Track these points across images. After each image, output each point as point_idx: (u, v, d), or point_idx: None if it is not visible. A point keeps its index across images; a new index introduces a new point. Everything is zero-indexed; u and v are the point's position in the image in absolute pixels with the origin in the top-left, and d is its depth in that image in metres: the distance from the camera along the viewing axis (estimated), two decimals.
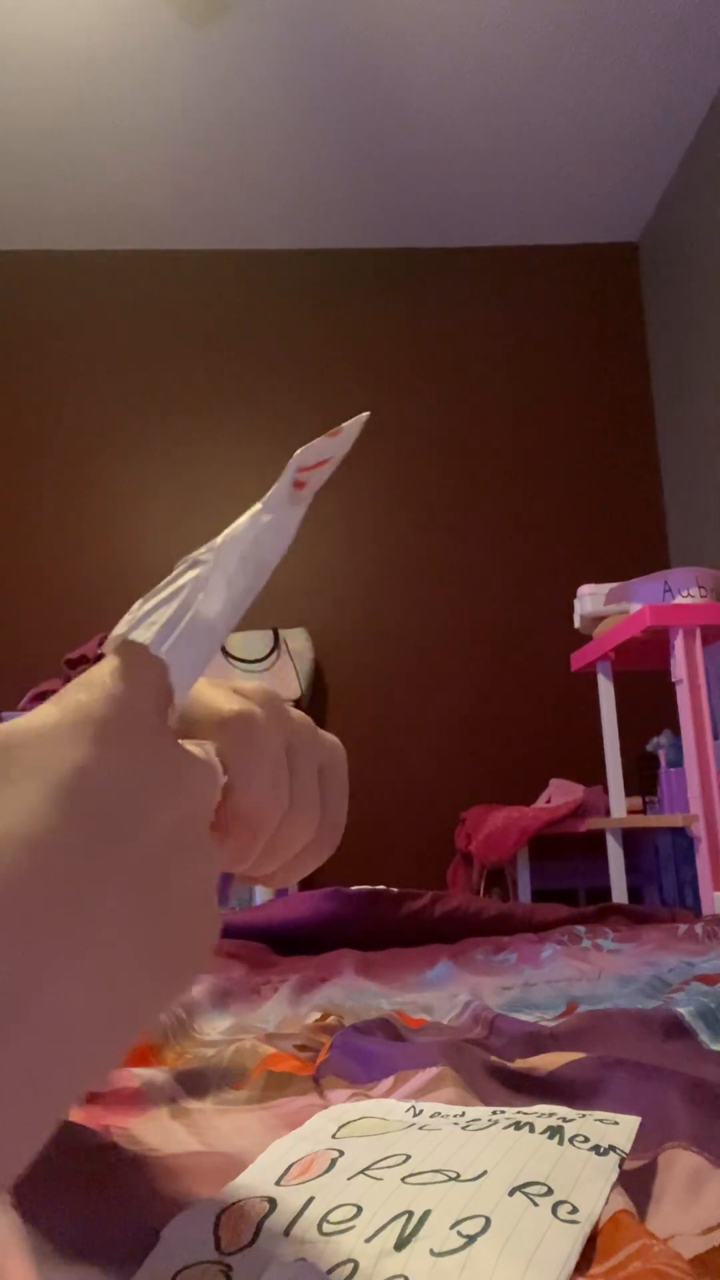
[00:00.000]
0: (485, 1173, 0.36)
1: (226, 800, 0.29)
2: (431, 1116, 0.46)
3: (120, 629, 0.27)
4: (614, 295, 3.45)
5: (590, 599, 2.39)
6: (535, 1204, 0.33)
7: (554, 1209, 0.33)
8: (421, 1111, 0.47)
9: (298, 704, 2.89)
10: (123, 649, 0.26)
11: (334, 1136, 0.44)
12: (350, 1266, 0.30)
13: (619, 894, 2.24)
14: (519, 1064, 0.56)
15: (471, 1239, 0.31)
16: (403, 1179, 0.36)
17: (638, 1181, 0.38)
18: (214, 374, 3.32)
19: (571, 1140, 0.41)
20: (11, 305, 3.28)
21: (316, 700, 3.12)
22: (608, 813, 2.42)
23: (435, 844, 2.97)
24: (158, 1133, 0.49)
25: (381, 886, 1.55)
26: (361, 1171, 0.38)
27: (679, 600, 2.10)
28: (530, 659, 3.14)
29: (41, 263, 3.30)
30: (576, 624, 2.46)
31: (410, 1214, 0.33)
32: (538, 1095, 0.52)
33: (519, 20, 2.55)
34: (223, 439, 3.29)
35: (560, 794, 2.75)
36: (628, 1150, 0.40)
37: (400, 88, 2.77)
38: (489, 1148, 0.39)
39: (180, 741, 0.29)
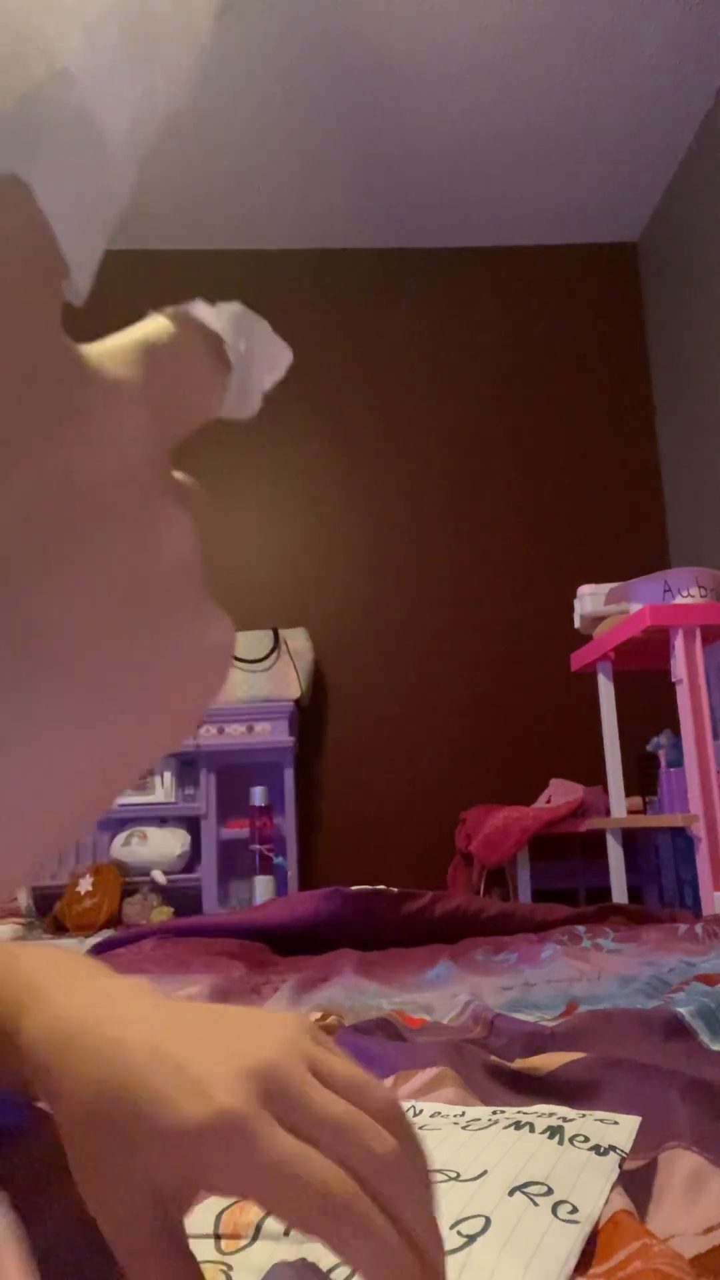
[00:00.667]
0: (485, 1172, 0.36)
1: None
2: (432, 1116, 0.46)
3: None
4: (614, 295, 3.45)
5: (590, 599, 2.38)
6: (535, 1204, 0.33)
7: (554, 1209, 0.33)
8: (422, 1111, 0.47)
9: (298, 704, 2.89)
10: None
11: None
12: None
13: (619, 894, 2.24)
14: (519, 1064, 0.56)
15: (471, 1239, 0.31)
16: None
17: (638, 1181, 0.38)
18: None
19: (572, 1140, 0.41)
20: None
21: (316, 700, 3.12)
22: (608, 813, 2.42)
23: (435, 844, 2.97)
24: None
25: (381, 886, 1.55)
26: None
27: (679, 600, 2.10)
28: (530, 659, 3.14)
29: None
30: (576, 624, 2.46)
31: None
32: (538, 1095, 0.52)
33: (519, 20, 2.55)
34: (222, 439, 3.29)
35: (560, 794, 2.75)
36: (628, 1150, 0.40)
37: (400, 88, 2.77)
38: (489, 1147, 0.39)
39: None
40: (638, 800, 2.50)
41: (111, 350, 0.17)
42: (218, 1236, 0.33)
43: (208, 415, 0.19)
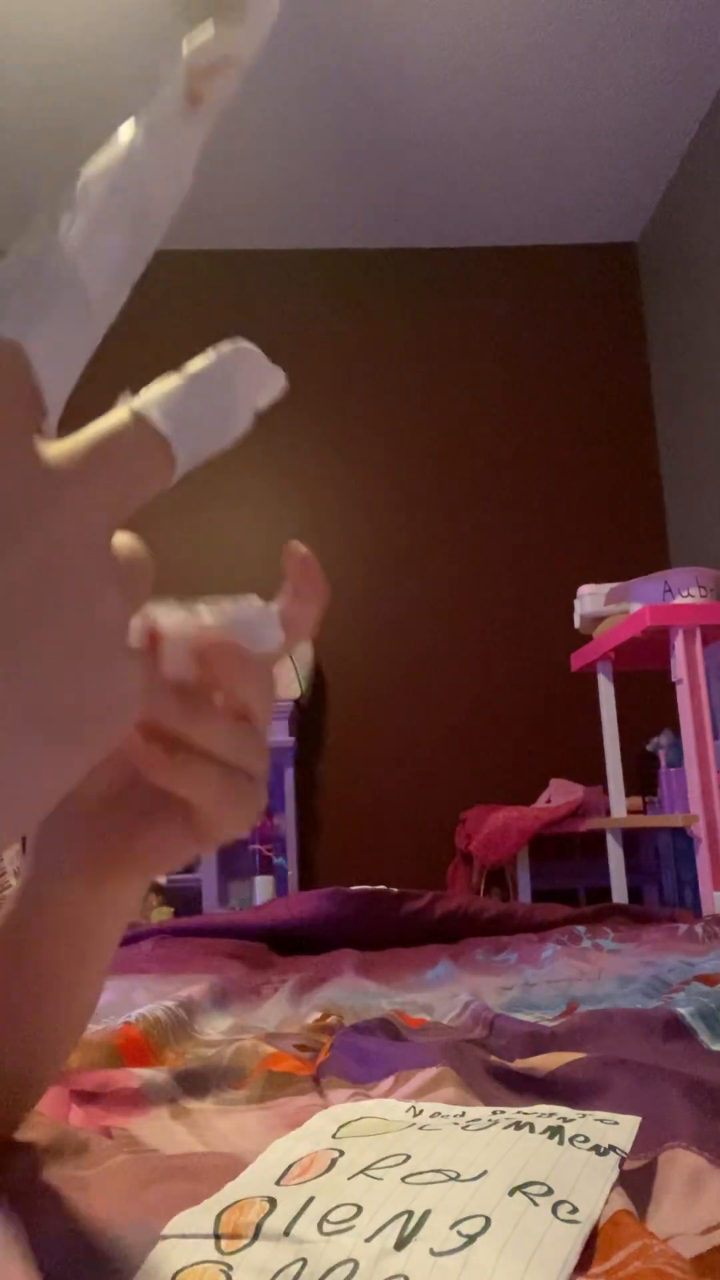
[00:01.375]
0: (485, 1173, 0.36)
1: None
2: (431, 1116, 0.46)
3: None
4: (614, 295, 3.44)
5: (590, 599, 2.38)
6: (535, 1204, 0.33)
7: (554, 1209, 0.33)
8: (421, 1111, 0.47)
9: (298, 704, 2.89)
10: None
11: (334, 1136, 0.44)
12: (350, 1266, 0.30)
13: (619, 894, 2.24)
14: (519, 1064, 0.57)
15: (471, 1239, 0.31)
16: (403, 1179, 0.36)
17: (638, 1181, 0.38)
18: None
19: (571, 1140, 0.41)
20: None
21: (316, 700, 3.12)
22: (608, 813, 2.42)
23: (435, 844, 2.97)
24: (158, 1133, 0.49)
25: (381, 886, 1.55)
26: (361, 1171, 0.38)
27: (679, 600, 2.10)
28: (530, 659, 3.14)
29: None
30: (576, 624, 2.46)
31: (410, 1214, 0.33)
32: (538, 1095, 0.52)
33: (519, 20, 2.55)
34: None
35: (560, 794, 2.75)
36: (628, 1150, 0.40)
37: (400, 88, 2.77)
38: (489, 1148, 0.39)
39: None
40: (638, 800, 2.50)
41: (71, 453, 0.21)
42: (218, 1236, 0.33)
43: (155, 493, 0.23)
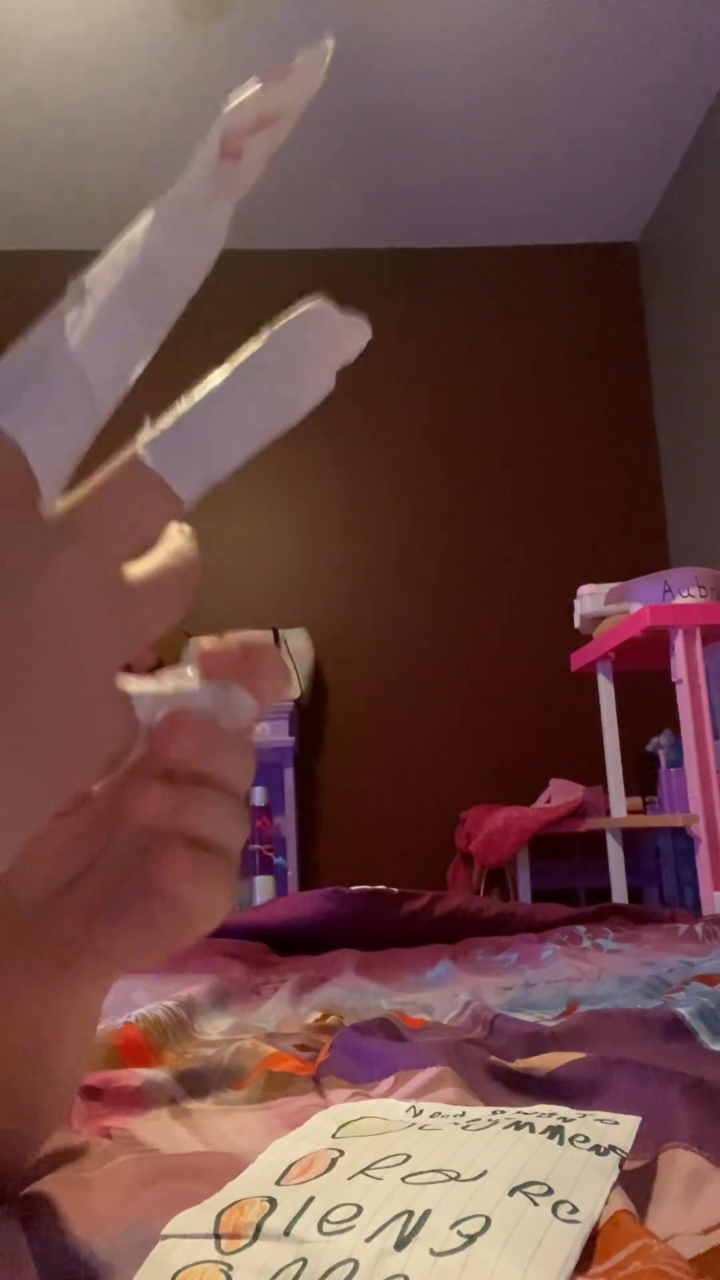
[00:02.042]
0: (485, 1172, 0.36)
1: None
2: (431, 1116, 0.46)
3: None
4: (614, 295, 3.44)
5: (590, 599, 2.38)
6: (535, 1204, 0.33)
7: (554, 1209, 0.33)
8: (421, 1111, 0.47)
9: (298, 704, 2.89)
10: None
11: (334, 1136, 0.44)
12: (350, 1266, 0.30)
13: (619, 894, 2.24)
14: (519, 1064, 0.57)
15: (472, 1239, 0.31)
16: (403, 1179, 0.36)
17: (638, 1181, 0.38)
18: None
19: (571, 1140, 0.41)
20: (11, 306, 3.28)
21: (316, 700, 3.12)
22: (608, 813, 2.42)
23: (435, 844, 2.97)
24: (158, 1133, 0.49)
25: (381, 886, 1.55)
26: (362, 1171, 0.38)
27: (679, 600, 2.10)
28: (530, 659, 3.14)
29: (40, 263, 3.30)
30: (576, 624, 2.46)
31: (410, 1214, 0.33)
32: (538, 1095, 0.52)
33: (518, 20, 2.55)
34: None
35: (560, 794, 2.75)
36: (628, 1150, 0.40)
37: (400, 88, 2.77)
38: (489, 1148, 0.39)
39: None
40: (638, 800, 2.50)
41: (70, 512, 0.22)
42: (218, 1236, 0.33)
43: (164, 525, 0.24)
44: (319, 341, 0.24)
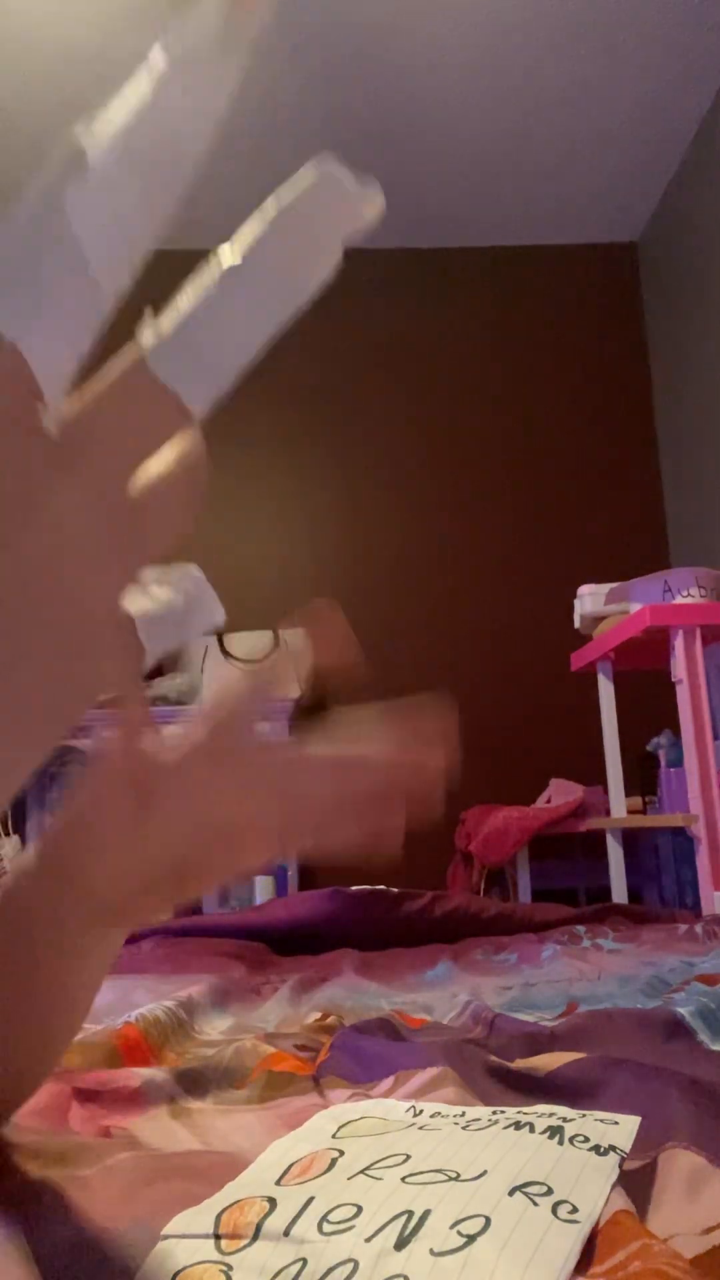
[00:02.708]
0: (485, 1172, 0.36)
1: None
2: (431, 1116, 0.46)
3: None
4: (614, 295, 3.45)
5: (590, 599, 2.38)
6: (535, 1204, 0.33)
7: (554, 1209, 0.33)
8: (421, 1111, 0.47)
9: (298, 704, 2.89)
10: None
11: (334, 1136, 0.44)
12: (350, 1266, 0.30)
13: (619, 894, 2.24)
14: (519, 1064, 0.56)
15: (472, 1239, 0.31)
16: (403, 1179, 0.36)
17: (638, 1181, 0.38)
18: None
19: (571, 1140, 0.41)
20: None
21: (316, 700, 3.12)
22: (608, 813, 2.42)
23: (435, 844, 2.97)
24: (158, 1132, 0.49)
25: (381, 886, 1.55)
26: (361, 1171, 0.38)
27: (679, 600, 2.10)
28: (530, 659, 3.14)
29: None
30: (576, 624, 2.46)
31: (410, 1214, 0.33)
32: (538, 1095, 0.52)
33: (519, 20, 2.55)
34: (220, 439, 3.29)
35: (560, 794, 2.75)
36: (628, 1150, 0.40)
37: (400, 88, 2.77)
38: (489, 1148, 0.39)
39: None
40: (638, 800, 2.50)
41: (73, 422, 0.20)
42: (218, 1237, 0.33)
43: (173, 435, 0.22)
44: (329, 213, 0.21)
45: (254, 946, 1.36)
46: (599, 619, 2.36)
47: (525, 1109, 0.46)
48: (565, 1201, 0.34)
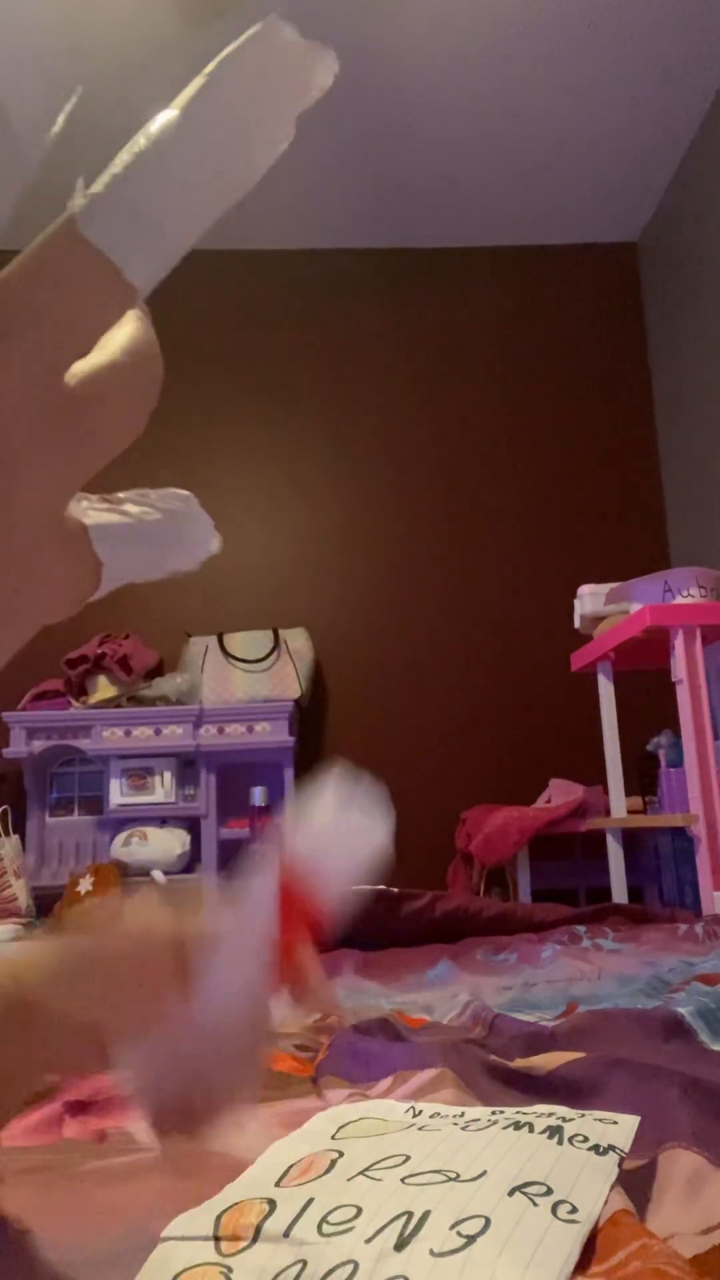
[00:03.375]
0: (485, 1173, 0.36)
1: None
2: (431, 1117, 0.46)
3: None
4: (614, 295, 3.44)
5: (590, 599, 2.38)
6: (535, 1204, 0.33)
7: (554, 1209, 0.33)
8: (421, 1112, 0.47)
9: (298, 704, 2.89)
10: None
11: (334, 1138, 0.44)
12: (350, 1267, 0.30)
13: (619, 894, 2.24)
14: (519, 1064, 0.56)
15: (471, 1239, 0.31)
16: (402, 1179, 0.36)
17: (638, 1181, 0.38)
18: (212, 374, 3.32)
19: (571, 1140, 0.41)
20: None
21: (316, 700, 3.11)
22: (608, 813, 2.42)
23: (435, 844, 2.97)
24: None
25: (381, 886, 1.54)
26: (361, 1172, 0.38)
27: (679, 600, 2.10)
28: (530, 659, 3.13)
29: None
30: (576, 624, 2.45)
31: (410, 1214, 0.33)
32: (537, 1095, 0.52)
33: (518, 20, 2.55)
34: (221, 439, 3.29)
35: (560, 794, 2.74)
36: (627, 1150, 0.40)
37: (400, 88, 2.76)
38: (489, 1148, 0.39)
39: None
40: (638, 800, 2.49)
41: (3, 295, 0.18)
42: (218, 1238, 0.33)
43: (112, 320, 0.20)
44: (276, 70, 0.20)
45: None
46: (599, 619, 2.35)
47: (525, 1109, 0.46)
48: (565, 1201, 0.34)
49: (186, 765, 2.78)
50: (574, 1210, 0.33)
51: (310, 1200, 0.35)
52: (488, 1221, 0.32)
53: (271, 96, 0.19)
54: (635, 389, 3.38)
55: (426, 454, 3.32)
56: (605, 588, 2.33)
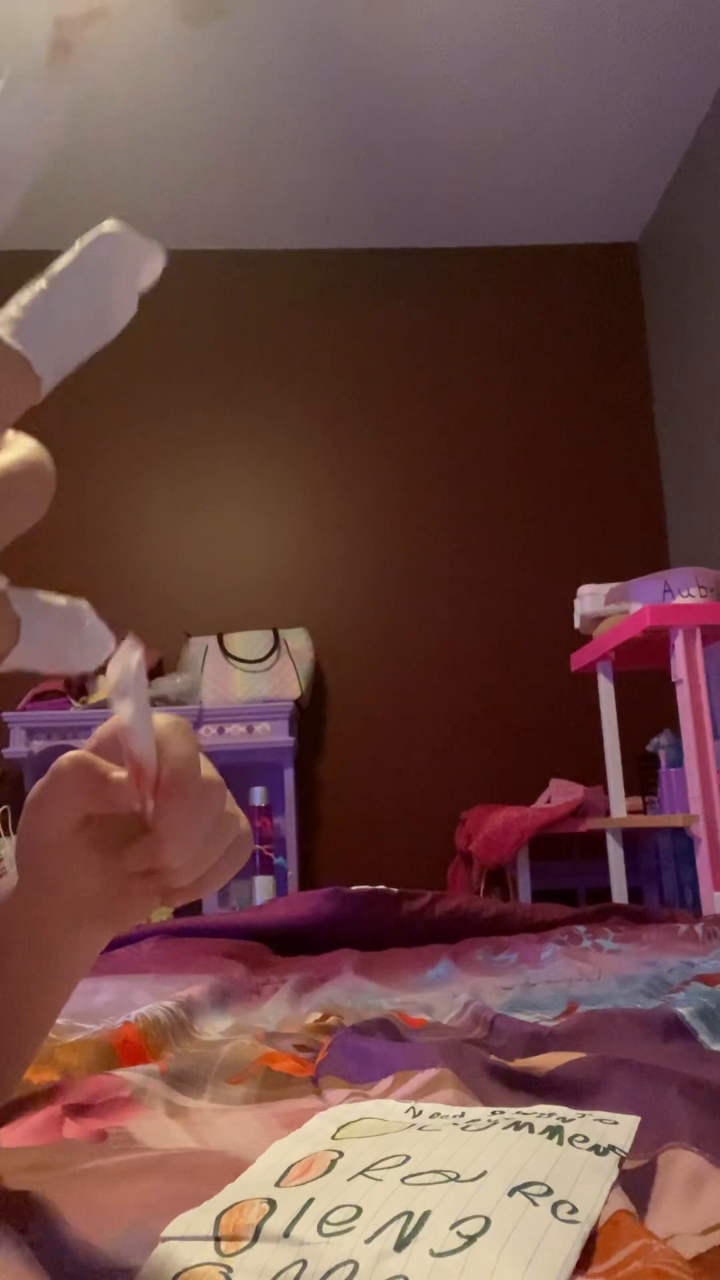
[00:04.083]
0: (485, 1173, 0.36)
1: (155, 846, 0.33)
2: (431, 1117, 0.46)
3: None
4: (614, 295, 3.44)
5: (590, 599, 2.38)
6: (535, 1204, 0.33)
7: (554, 1209, 0.33)
8: (421, 1112, 0.47)
9: (298, 704, 2.89)
10: None
11: (334, 1137, 0.44)
12: (350, 1267, 0.30)
13: (619, 894, 2.24)
14: (519, 1064, 0.56)
15: (471, 1239, 0.31)
16: (402, 1180, 0.36)
17: (638, 1181, 0.38)
18: (212, 374, 3.32)
19: (571, 1140, 0.40)
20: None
21: (316, 700, 3.12)
22: (608, 813, 2.42)
23: (435, 844, 2.97)
24: (155, 1132, 0.49)
25: (381, 886, 1.55)
26: (361, 1172, 0.38)
27: (679, 600, 2.10)
28: (530, 659, 3.14)
29: (40, 263, 3.30)
30: (576, 624, 2.46)
31: (410, 1214, 0.33)
32: (537, 1095, 0.52)
33: (518, 20, 2.55)
34: (221, 439, 3.29)
35: (560, 794, 2.75)
36: (627, 1150, 0.40)
37: (400, 88, 2.77)
38: (489, 1148, 0.39)
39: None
40: (638, 800, 2.50)
41: None
42: (217, 1239, 0.33)
43: (21, 412, 0.23)
44: (118, 260, 0.24)
45: (254, 946, 1.36)
46: (599, 619, 2.35)
47: (525, 1109, 0.46)
48: (565, 1202, 0.34)
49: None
50: (574, 1210, 0.33)
51: (310, 1200, 0.35)
52: (488, 1221, 0.32)
53: (117, 280, 0.22)
54: (635, 389, 3.38)
55: (427, 454, 3.32)
56: (605, 588, 2.33)
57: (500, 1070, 0.55)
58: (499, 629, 3.19)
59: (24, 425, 0.25)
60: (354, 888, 1.52)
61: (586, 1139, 0.41)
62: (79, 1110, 0.51)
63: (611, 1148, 0.40)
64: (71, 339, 0.23)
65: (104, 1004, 0.91)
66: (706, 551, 2.94)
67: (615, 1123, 0.44)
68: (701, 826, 1.87)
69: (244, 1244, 0.32)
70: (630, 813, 2.42)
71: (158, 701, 2.77)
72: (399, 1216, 0.33)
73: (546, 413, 3.35)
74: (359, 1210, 0.34)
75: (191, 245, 3.36)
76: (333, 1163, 0.40)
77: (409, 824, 3.04)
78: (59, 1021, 0.78)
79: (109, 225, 0.24)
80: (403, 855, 2.99)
